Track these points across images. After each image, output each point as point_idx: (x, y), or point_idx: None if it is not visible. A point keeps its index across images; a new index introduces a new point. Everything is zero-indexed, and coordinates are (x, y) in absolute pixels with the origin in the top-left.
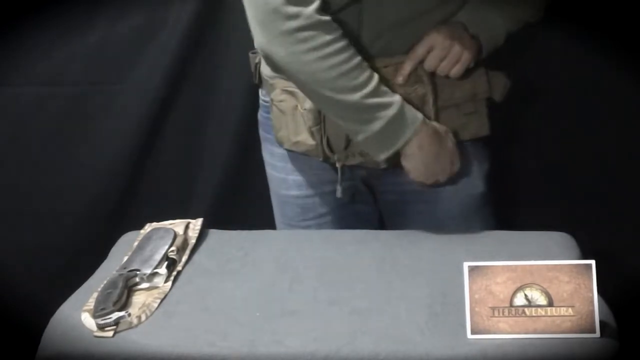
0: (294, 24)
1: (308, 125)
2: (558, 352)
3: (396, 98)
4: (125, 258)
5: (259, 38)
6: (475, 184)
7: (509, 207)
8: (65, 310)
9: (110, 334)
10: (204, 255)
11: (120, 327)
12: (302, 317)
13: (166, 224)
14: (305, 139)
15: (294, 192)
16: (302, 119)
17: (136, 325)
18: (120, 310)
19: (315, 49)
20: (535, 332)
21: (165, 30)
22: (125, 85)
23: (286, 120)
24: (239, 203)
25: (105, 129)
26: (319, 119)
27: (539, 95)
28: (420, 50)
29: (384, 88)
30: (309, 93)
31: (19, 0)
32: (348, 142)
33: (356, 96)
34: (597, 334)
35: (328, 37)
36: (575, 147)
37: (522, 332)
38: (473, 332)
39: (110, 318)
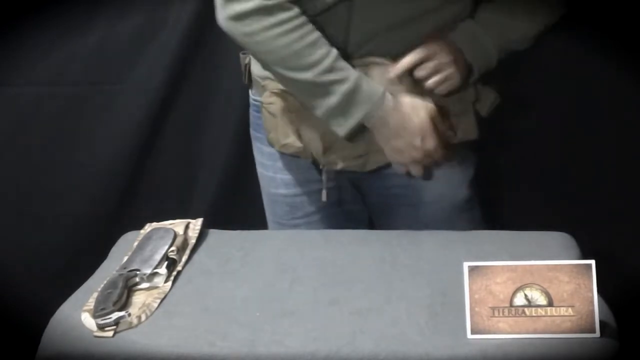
0: (250, 4)
1: (295, 127)
2: (558, 352)
3: (352, 73)
4: (125, 258)
5: (219, 16)
6: (459, 190)
7: (508, 207)
8: (65, 310)
9: (110, 334)
10: (204, 255)
11: (120, 327)
12: (302, 317)
13: (166, 224)
14: (293, 141)
15: (283, 191)
16: (290, 121)
17: (136, 325)
18: (120, 310)
19: (268, 28)
20: (535, 332)
21: (165, 30)
22: (125, 85)
23: (276, 123)
24: (239, 203)
25: (105, 129)
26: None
27: (539, 95)
28: (419, 55)
29: (342, 64)
30: (269, 70)
31: (19, 1)
32: (326, 147)
33: (309, 74)
34: (597, 334)
35: (282, 16)
36: (575, 147)
37: (522, 332)
38: (473, 332)
39: (110, 318)
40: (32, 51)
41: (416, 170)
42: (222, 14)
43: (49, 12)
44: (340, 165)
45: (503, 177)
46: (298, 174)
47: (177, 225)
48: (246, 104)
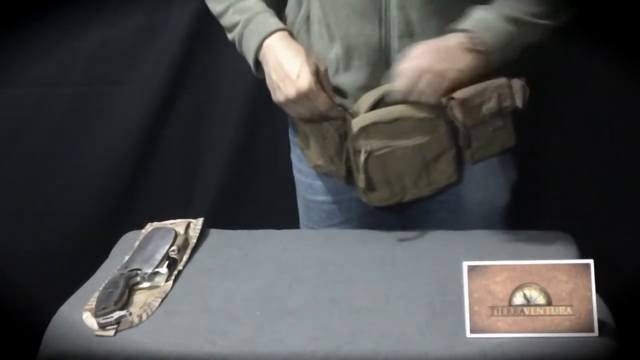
0: None
1: (329, 153)
2: (556, 351)
3: (258, 6)
4: (127, 257)
5: None
6: (502, 196)
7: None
8: (66, 309)
9: (112, 333)
10: (204, 254)
11: (122, 326)
12: (302, 316)
13: (167, 223)
14: (325, 163)
15: (320, 198)
16: (323, 147)
17: (137, 325)
18: (121, 309)
19: None
20: (534, 331)
21: (166, 30)
22: (126, 86)
23: (308, 142)
24: (240, 203)
25: (106, 129)
26: (340, 146)
27: (539, 95)
28: (408, 79)
29: (262, 4)
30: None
31: (19, 1)
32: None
33: (223, 4)
34: (596, 333)
35: None
36: (575, 147)
37: (520, 331)
38: (472, 332)
39: (111, 317)
40: (34, 52)
41: (291, 112)
42: None
43: (50, 13)
44: (378, 204)
45: None
46: (336, 182)
47: (178, 224)
48: (247, 104)
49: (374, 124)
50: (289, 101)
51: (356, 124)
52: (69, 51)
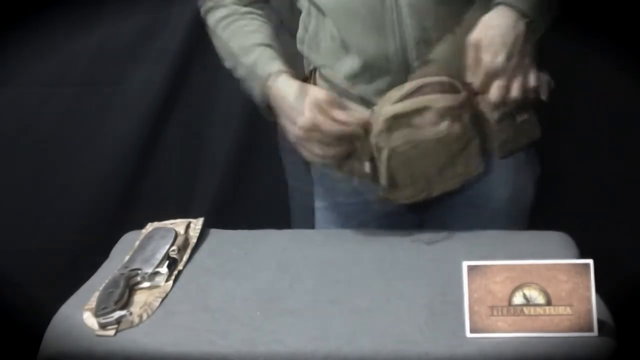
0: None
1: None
2: (556, 351)
3: (258, 48)
4: (127, 257)
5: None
6: (528, 191)
7: None
8: (66, 309)
9: (112, 332)
10: (205, 254)
11: (122, 326)
12: (303, 316)
13: (167, 223)
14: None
15: (340, 199)
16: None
17: (137, 324)
18: (121, 309)
19: (219, 20)
20: (533, 331)
21: (166, 30)
22: (126, 86)
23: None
24: (240, 203)
25: (106, 129)
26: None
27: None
28: (481, 83)
29: (263, 36)
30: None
31: (19, 1)
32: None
33: (229, 62)
34: (595, 333)
35: (225, 11)
36: (575, 147)
37: (520, 331)
38: (472, 331)
39: (111, 317)
40: (34, 52)
41: (306, 155)
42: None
43: (50, 13)
44: (403, 202)
45: None
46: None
47: (178, 224)
48: (247, 104)
49: (399, 116)
50: (303, 141)
51: (379, 116)
52: (69, 51)
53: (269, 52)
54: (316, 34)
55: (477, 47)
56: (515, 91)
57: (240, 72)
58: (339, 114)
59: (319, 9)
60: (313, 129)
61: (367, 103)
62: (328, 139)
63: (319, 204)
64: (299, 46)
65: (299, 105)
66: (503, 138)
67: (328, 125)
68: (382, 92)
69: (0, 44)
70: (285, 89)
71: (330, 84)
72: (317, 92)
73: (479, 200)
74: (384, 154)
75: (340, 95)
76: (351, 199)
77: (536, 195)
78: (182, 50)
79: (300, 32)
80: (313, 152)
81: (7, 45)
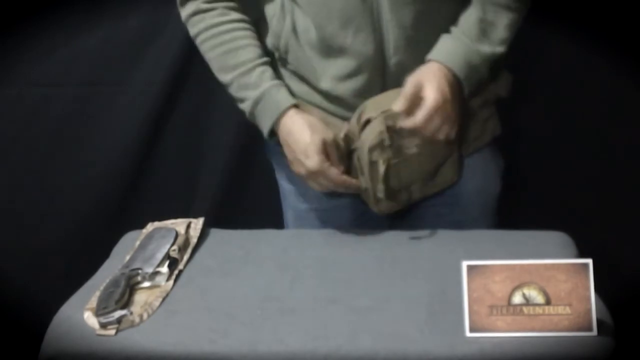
0: (188, 9)
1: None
2: (555, 350)
3: (265, 82)
4: (128, 257)
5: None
6: (495, 183)
7: (508, 206)
8: (67, 309)
9: (113, 332)
10: (205, 254)
11: (123, 325)
12: (303, 315)
13: (168, 223)
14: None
15: (314, 205)
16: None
17: (138, 324)
18: (122, 308)
19: (201, 32)
20: (532, 330)
21: (166, 30)
22: (127, 86)
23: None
24: (240, 202)
25: (107, 129)
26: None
27: (538, 94)
28: (420, 118)
29: (263, 71)
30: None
31: (20, 2)
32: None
33: (228, 76)
34: (594, 332)
35: (214, 20)
36: (574, 147)
37: (519, 331)
38: (471, 331)
39: (112, 317)
40: (34, 52)
41: (311, 185)
42: (182, 17)
43: (50, 13)
44: (387, 212)
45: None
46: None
47: (179, 224)
48: None
49: (390, 129)
50: (305, 177)
51: (370, 133)
52: (69, 51)
53: (275, 87)
54: (292, 29)
55: (420, 85)
56: (439, 132)
57: (245, 104)
58: (341, 168)
59: (296, 3)
60: (320, 173)
61: (344, 103)
62: (328, 184)
63: (289, 215)
64: (269, 43)
65: (304, 145)
66: (471, 137)
67: (334, 175)
68: (358, 94)
69: (2, 45)
70: (291, 126)
71: (306, 83)
72: (326, 133)
73: (450, 198)
74: (380, 168)
75: (315, 94)
76: (324, 204)
77: (502, 187)
78: (182, 50)
79: (275, 28)
80: (320, 185)
81: (8, 46)
